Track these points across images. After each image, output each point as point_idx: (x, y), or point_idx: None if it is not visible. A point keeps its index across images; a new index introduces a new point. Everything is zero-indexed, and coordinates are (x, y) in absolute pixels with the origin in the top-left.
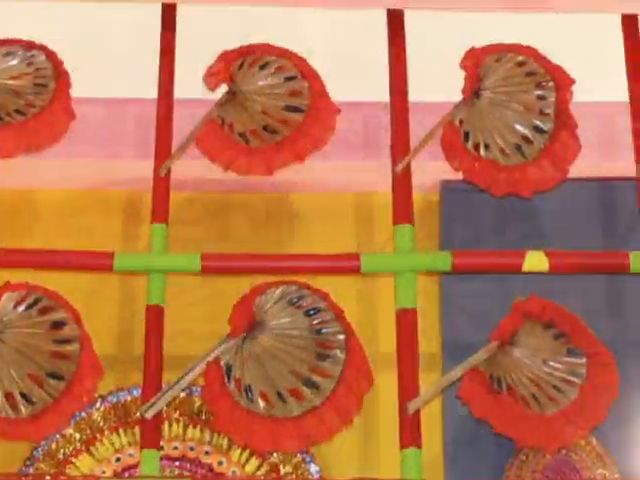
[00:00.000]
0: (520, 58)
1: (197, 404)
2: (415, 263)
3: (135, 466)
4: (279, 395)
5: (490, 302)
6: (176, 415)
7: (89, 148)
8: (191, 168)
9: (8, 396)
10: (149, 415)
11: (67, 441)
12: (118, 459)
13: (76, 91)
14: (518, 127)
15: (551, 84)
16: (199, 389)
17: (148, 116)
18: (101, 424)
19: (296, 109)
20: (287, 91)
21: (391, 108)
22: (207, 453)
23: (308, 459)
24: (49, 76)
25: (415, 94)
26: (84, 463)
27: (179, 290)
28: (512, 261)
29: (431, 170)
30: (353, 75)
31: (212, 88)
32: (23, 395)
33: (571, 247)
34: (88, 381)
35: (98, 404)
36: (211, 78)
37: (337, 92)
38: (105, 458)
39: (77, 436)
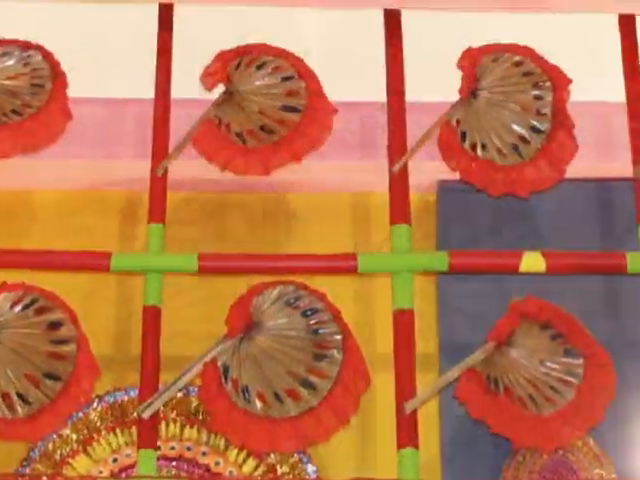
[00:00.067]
0: (517, 58)
1: (194, 404)
2: (412, 263)
3: (132, 466)
4: (276, 396)
5: (487, 302)
6: (173, 415)
7: (86, 148)
8: (188, 168)
9: (5, 396)
10: (146, 415)
11: (64, 441)
12: (115, 459)
13: (73, 91)
14: (515, 127)
15: (548, 84)
16: (196, 389)
17: (145, 116)
18: (98, 424)
19: (293, 109)
20: (284, 91)
21: (388, 108)
22: (204, 453)
23: (305, 459)
24: (46, 76)
25: (412, 94)
26: (81, 464)
27: (176, 291)
28: (509, 261)
29: (428, 170)
30: (350, 75)
31: (209, 88)
32: (20, 395)
33: (568, 247)
34: (85, 381)
35: (95, 404)
36: (208, 78)
37: (334, 92)
38: (102, 458)
39: (74, 436)
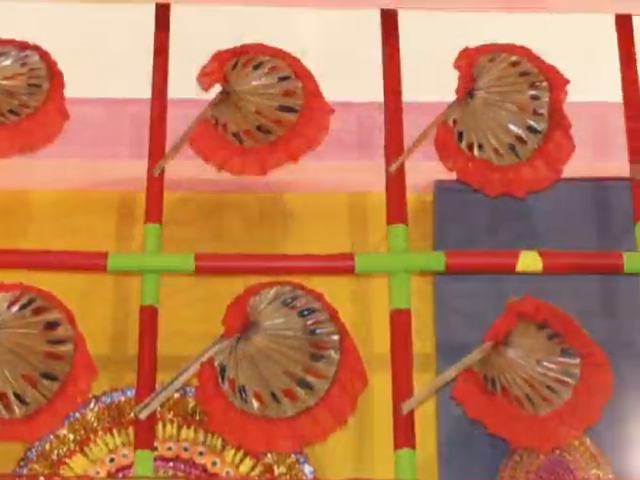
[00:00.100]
0: (514, 58)
1: (191, 405)
2: (409, 263)
3: (129, 467)
4: (273, 395)
5: (484, 302)
6: (170, 416)
7: (83, 148)
8: (185, 168)
9: (2, 396)
10: (143, 416)
11: (61, 442)
12: (112, 460)
13: (70, 91)
14: (512, 127)
15: (545, 84)
16: (193, 390)
17: (142, 116)
18: (95, 425)
19: (290, 109)
20: (281, 91)
21: (385, 108)
22: (201, 454)
23: (302, 460)
24: (43, 76)
25: (409, 94)
26: (78, 464)
27: (173, 291)
28: (506, 261)
29: (425, 170)
30: (347, 75)
31: (206, 88)
32: (17, 396)
33: (565, 247)
34: (82, 382)
35: (92, 405)
36: (205, 78)
37: (331, 92)
38: (99, 459)
39: (71, 437)
